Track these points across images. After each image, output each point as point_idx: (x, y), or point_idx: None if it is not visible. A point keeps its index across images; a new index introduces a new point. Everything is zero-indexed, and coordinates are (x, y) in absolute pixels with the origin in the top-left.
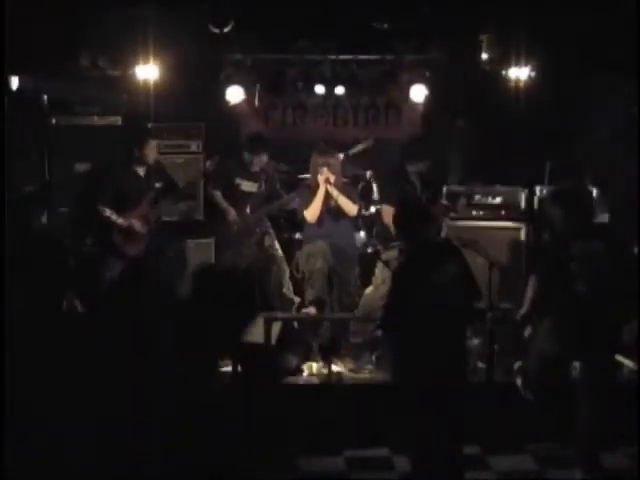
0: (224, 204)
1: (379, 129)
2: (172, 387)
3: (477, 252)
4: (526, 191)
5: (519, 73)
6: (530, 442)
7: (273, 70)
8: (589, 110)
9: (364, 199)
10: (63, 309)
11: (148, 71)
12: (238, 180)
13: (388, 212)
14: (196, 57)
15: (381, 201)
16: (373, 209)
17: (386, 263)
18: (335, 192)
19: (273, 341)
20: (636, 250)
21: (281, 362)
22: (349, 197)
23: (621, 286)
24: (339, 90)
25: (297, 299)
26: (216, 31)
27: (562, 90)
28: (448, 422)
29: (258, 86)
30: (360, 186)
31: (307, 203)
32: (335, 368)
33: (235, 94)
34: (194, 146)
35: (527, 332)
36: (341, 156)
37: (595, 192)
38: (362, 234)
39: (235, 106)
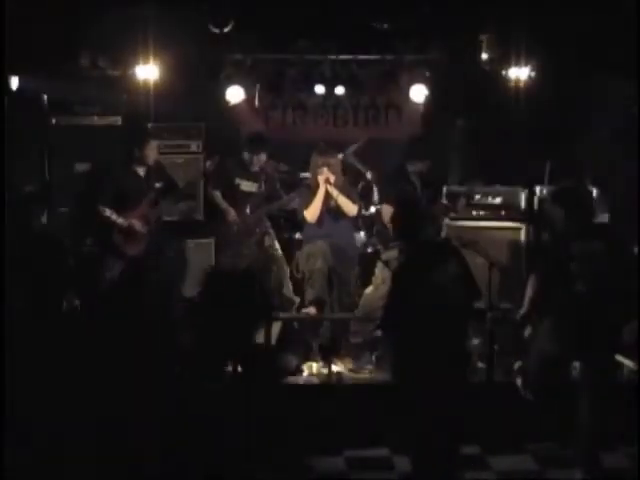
0: (224, 204)
1: (379, 129)
2: (172, 387)
3: (477, 252)
4: (526, 191)
5: (519, 73)
6: (530, 442)
7: (273, 70)
8: (589, 110)
9: (364, 199)
10: (63, 309)
11: (148, 71)
12: (238, 180)
13: (388, 212)
14: (196, 57)
15: (381, 201)
16: (373, 209)
17: (386, 263)
18: (335, 192)
19: (273, 341)
20: (636, 250)
21: (281, 362)
22: (349, 197)
23: (621, 286)
24: (339, 90)
25: (297, 299)
26: (216, 31)
27: (562, 90)
28: (448, 422)
29: (258, 86)
30: (360, 186)
31: (307, 203)
32: (335, 368)
33: (235, 94)
34: (194, 146)
35: (527, 332)
36: (341, 156)
37: (595, 192)
38: (362, 234)
39: (235, 106)
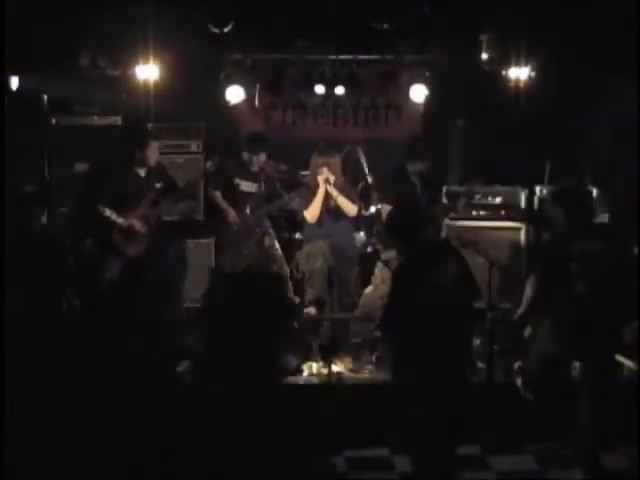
0: (224, 204)
1: (379, 129)
2: (172, 387)
3: (477, 252)
4: (526, 191)
5: (519, 73)
6: (530, 442)
7: (273, 70)
8: (589, 110)
9: (364, 199)
10: (63, 309)
11: (148, 71)
12: (237, 180)
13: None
14: (196, 57)
15: (381, 201)
16: (373, 209)
17: (386, 263)
18: (335, 192)
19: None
20: (636, 250)
21: (281, 362)
22: (349, 197)
23: (621, 286)
24: (339, 90)
25: (297, 299)
26: (216, 31)
27: (562, 90)
28: (448, 422)
29: (258, 86)
30: (360, 186)
31: (307, 203)
32: (335, 368)
33: (235, 94)
34: (194, 146)
35: (527, 332)
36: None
37: (595, 192)
38: (362, 234)
39: (235, 106)
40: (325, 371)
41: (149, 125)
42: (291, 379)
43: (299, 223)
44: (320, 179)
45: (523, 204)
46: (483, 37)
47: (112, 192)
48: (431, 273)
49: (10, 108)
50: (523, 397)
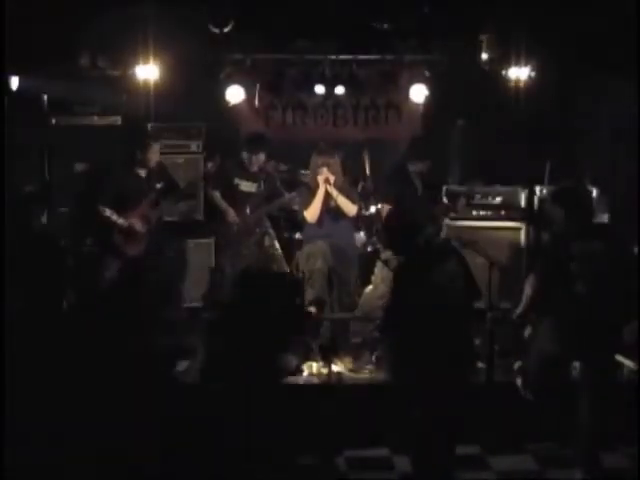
0: (223, 204)
1: (379, 129)
2: (172, 387)
3: (477, 252)
4: (526, 191)
5: (519, 73)
6: (530, 442)
7: (273, 70)
8: (589, 110)
9: (364, 199)
10: (63, 309)
11: (148, 71)
12: (237, 180)
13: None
14: (196, 57)
15: (381, 201)
16: (373, 209)
17: (386, 262)
18: (335, 192)
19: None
20: (636, 250)
21: (281, 362)
22: (349, 197)
23: (621, 286)
24: (339, 90)
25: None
26: (216, 31)
27: (562, 90)
28: (448, 422)
29: (258, 86)
30: (360, 186)
31: (307, 203)
32: (335, 368)
33: (235, 94)
34: (194, 146)
35: (527, 332)
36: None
37: (595, 192)
38: (362, 234)
39: (235, 106)
40: (325, 371)
41: (149, 125)
42: (291, 379)
43: (299, 223)
44: (320, 179)
45: (523, 204)
46: (483, 37)
47: (112, 192)
48: (431, 273)
49: (10, 108)
50: (523, 397)
